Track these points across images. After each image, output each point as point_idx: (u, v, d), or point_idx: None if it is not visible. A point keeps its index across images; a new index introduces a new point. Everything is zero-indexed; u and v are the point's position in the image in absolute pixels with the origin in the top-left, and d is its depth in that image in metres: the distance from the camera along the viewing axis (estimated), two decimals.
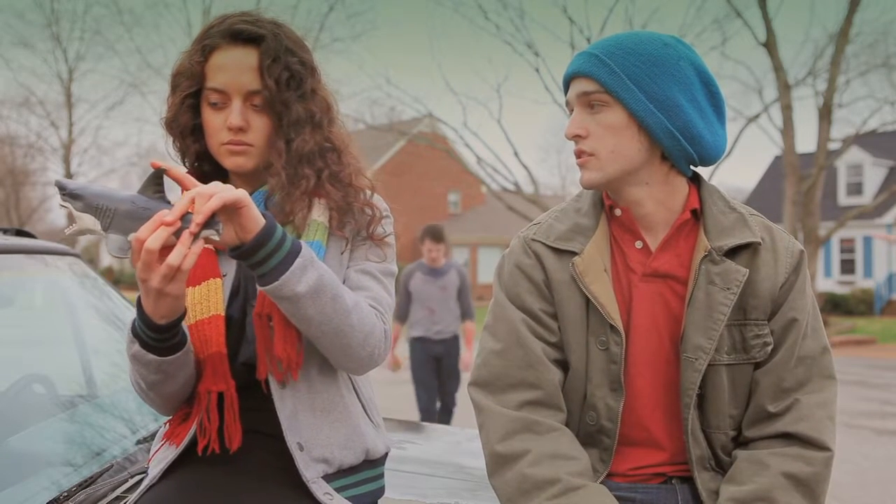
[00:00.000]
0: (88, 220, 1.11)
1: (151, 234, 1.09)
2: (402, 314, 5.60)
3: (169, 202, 1.14)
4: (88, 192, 1.12)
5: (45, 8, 33.62)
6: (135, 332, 1.24)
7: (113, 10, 40.12)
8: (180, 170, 1.16)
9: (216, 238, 1.14)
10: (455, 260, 5.68)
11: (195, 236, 1.11)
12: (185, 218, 1.11)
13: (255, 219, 1.17)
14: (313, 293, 1.22)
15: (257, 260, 1.19)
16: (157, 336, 1.21)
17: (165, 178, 1.16)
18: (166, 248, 1.10)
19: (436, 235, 5.46)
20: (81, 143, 30.68)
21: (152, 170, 1.15)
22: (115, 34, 34.81)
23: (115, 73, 47.73)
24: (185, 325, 1.32)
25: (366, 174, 1.46)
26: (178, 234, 1.11)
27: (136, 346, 1.24)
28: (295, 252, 1.21)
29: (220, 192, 1.12)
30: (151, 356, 1.23)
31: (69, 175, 28.80)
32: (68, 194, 1.12)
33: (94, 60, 41.75)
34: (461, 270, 5.65)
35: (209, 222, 1.12)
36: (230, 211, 1.15)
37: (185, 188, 1.15)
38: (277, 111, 1.35)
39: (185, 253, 1.10)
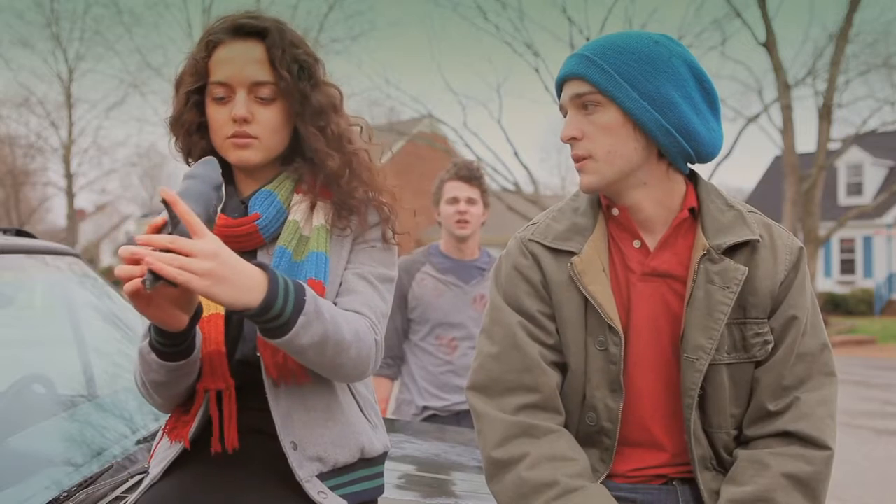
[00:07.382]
0: None
1: (123, 267, 1.06)
2: (391, 358, 2.85)
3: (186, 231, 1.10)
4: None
5: (45, 8, 33.69)
6: (148, 329, 1.26)
7: (113, 10, 40.19)
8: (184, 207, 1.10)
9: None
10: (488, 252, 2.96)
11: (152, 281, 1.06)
12: (177, 224, 1.09)
13: (252, 288, 1.13)
14: (317, 345, 1.22)
15: (262, 321, 1.17)
16: (161, 340, 1.22)
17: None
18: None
19: (466, 172, 2.81)
20: (81, 143, 30.67)
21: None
22: (115, 34, 34.80)
23: (115, 73, 47.92)
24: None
25: (377, 173, 1.44)
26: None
27: (145, 343, 1.26)
28: (298, 308, 1.18)
29: (188, 278, 1.06)
30: (153, 356, 1.25)
31: (69, 175, 28.83)
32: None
33: (94, 60, 41.84)
34: None
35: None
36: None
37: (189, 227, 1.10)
38: (296, 100, 1.35)
39: (137, 286, 1.06)
